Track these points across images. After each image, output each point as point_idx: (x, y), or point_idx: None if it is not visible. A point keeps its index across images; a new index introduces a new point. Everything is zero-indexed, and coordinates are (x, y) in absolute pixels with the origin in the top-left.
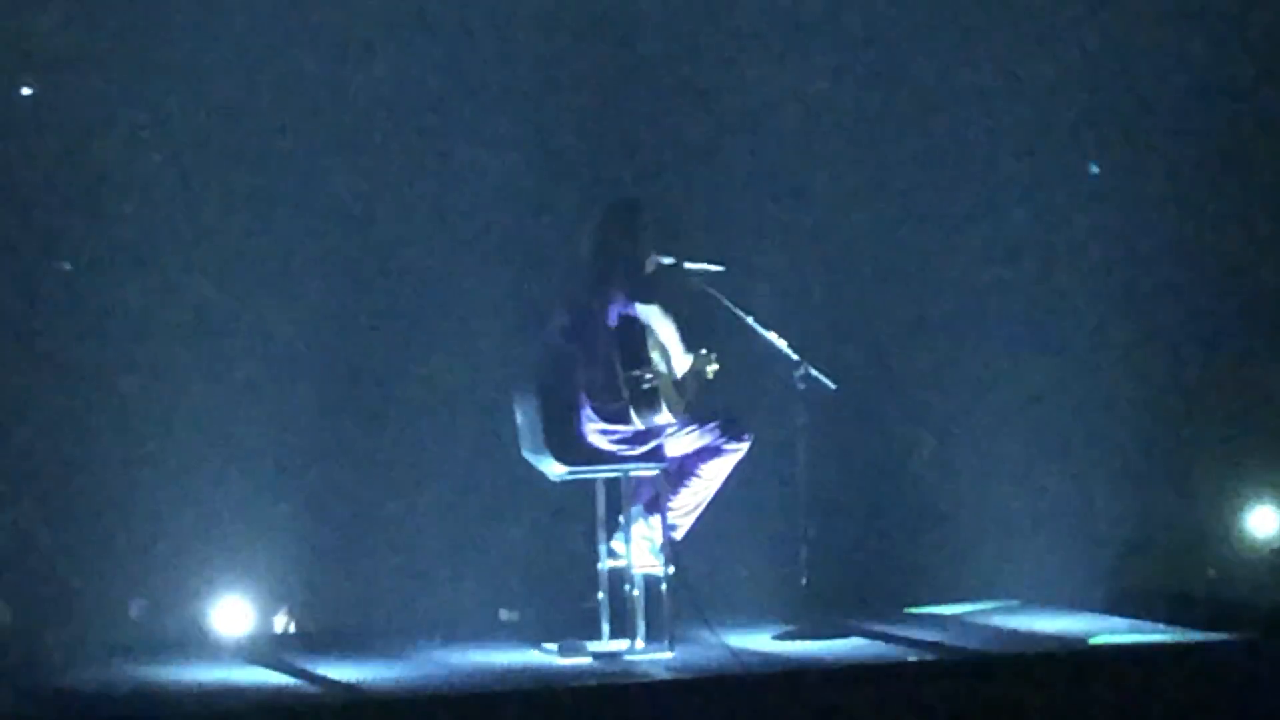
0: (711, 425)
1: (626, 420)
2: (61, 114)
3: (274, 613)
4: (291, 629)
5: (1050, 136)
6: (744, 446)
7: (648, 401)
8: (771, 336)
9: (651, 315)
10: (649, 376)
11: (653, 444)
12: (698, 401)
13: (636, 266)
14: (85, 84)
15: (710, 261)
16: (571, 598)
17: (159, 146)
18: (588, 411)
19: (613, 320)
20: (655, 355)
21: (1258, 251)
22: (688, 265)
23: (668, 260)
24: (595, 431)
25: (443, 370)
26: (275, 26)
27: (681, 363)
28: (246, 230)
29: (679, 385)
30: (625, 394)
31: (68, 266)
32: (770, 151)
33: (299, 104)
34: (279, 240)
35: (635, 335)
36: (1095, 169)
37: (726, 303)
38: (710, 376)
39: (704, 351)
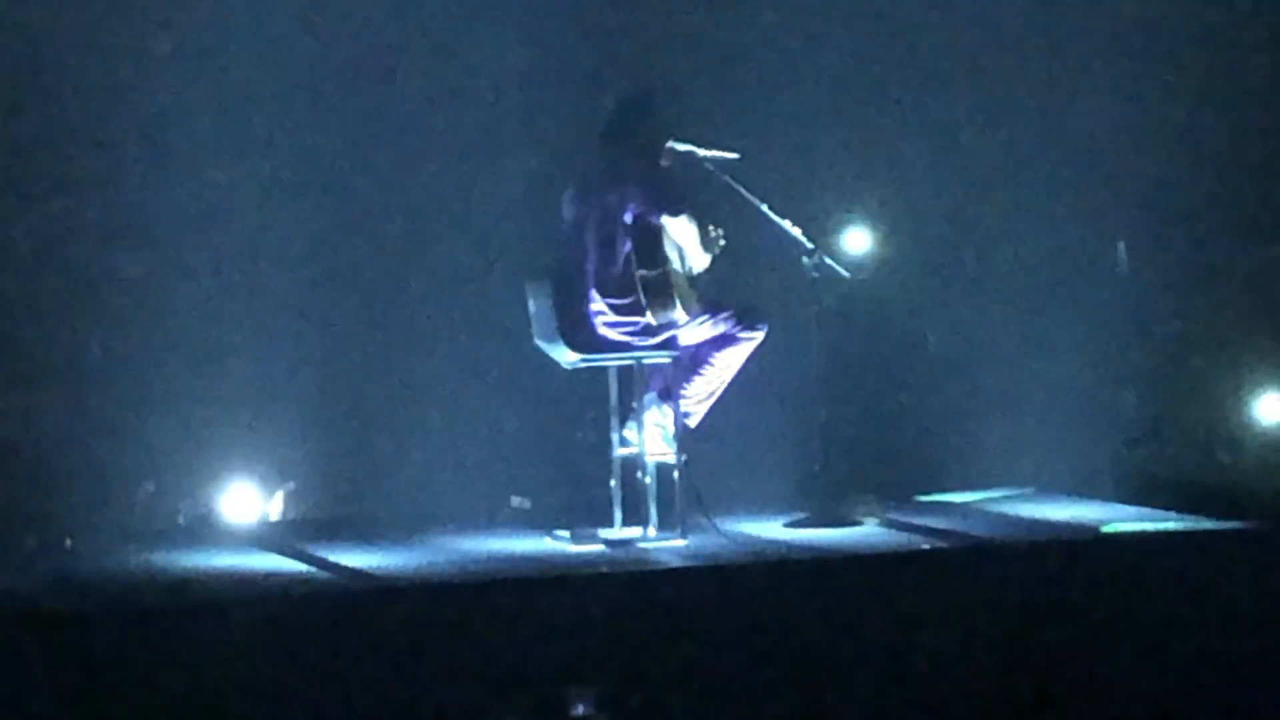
0: (726, 314)
1: (639, 314)
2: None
3: (278, 497)
4: (293, 513)
5: (1063, 31)
6: (759, 335)
7: (661, 298)
8: (786, 224)
9: (681, 222)
10: (663, 273)
11: (666, 334)
12: (711, 291)
13: (657, 169)
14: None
15: (725, 149)
16: (583, 485)
17: (172, 41)
18: (600, 305)
19: (628, 218)
20: (670, 251)
21: (1264, 143)
22: (702, 152)
23: (683, 146)
24: (606, 325)
25: (454, 257)
26: None
27: (699, 261)
28: (252, 121)
29: (693, 281)
30: (638, 289)
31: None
32: (787, 38)
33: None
34: (287, 131)
35: (651, 232)
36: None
37: (741, 190)
38: (717, 251)
39: (711, 230)
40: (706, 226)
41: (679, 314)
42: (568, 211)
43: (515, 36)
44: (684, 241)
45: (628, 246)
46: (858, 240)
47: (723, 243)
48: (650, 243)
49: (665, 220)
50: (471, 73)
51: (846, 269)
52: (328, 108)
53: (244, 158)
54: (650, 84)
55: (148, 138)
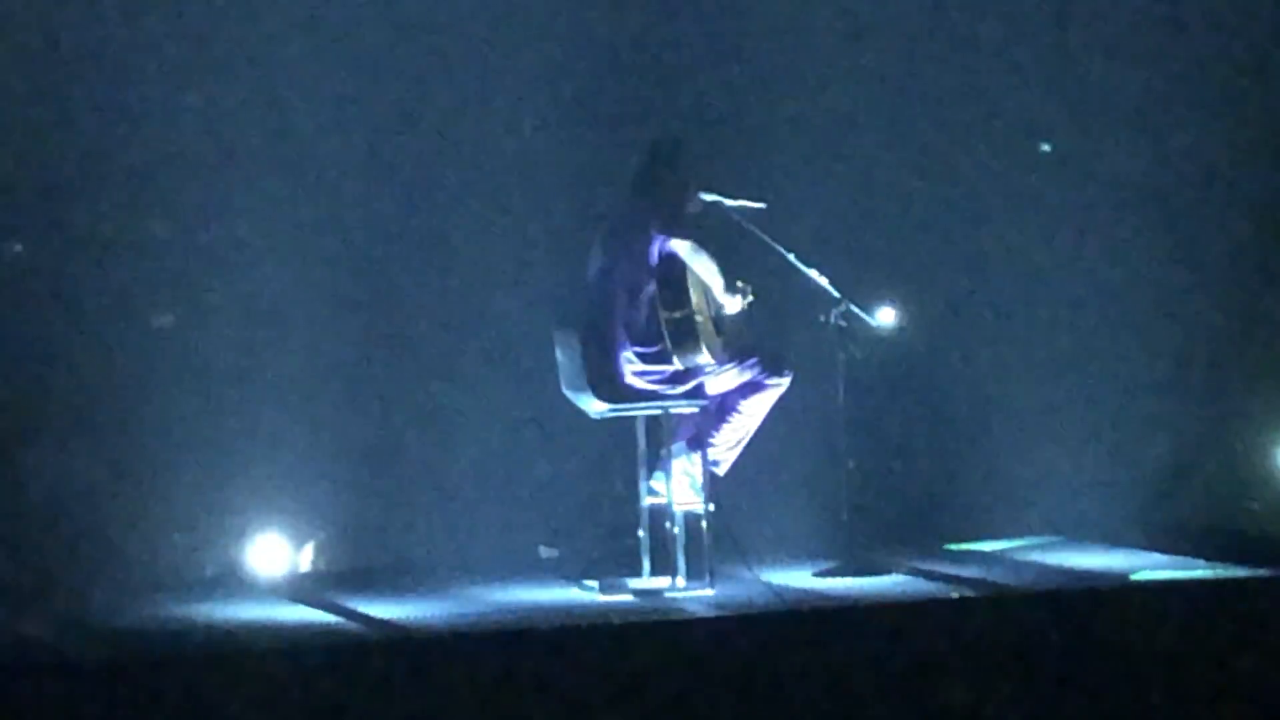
0: (752, 361)
1: (667, 362)
2: (91, 53)
3: (308, 548)
4: (321, 565)
5: (1089, 66)
6: (785, 382)
7: (686, 341)
8: (813, 273)
9: (686, 251)
10: (688, 317)
11: (693, 382)
12: (737, 338)
13: (677, 204)
14: (117, 18)
15: (752, 198)
16: (612, 535)
17: (198, 89)
18: (627, 354)
19: (654, 259)
20: (695, 295)
21: None
22: (729, 202)
23: (710, 196)
24: (633, 373)
25: (483, 307)
26: None
27: (728, 303)
28: (281, 165)
29: (719, 324)
30: (665, 335)
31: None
32: (814, 89)
33: (340, 35)
34: (315, 175)
35: (676, 275)
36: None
37: (768, 239)
38: (746, 306)
39: (739, 284)
40: (735, 281)
41: (705, 358)
42: (597, 262)
43: (545, 84)
44: (709, 280)
45: (652, 288)
46: (886, 316)
47: (751, 297)
48: (675, 285)
49: (674, 244)
50: (500, 121)
51: (873, 320)
52: (357, 157)
53: (272, 209)
54: (676, 134)
55: (175, 191)
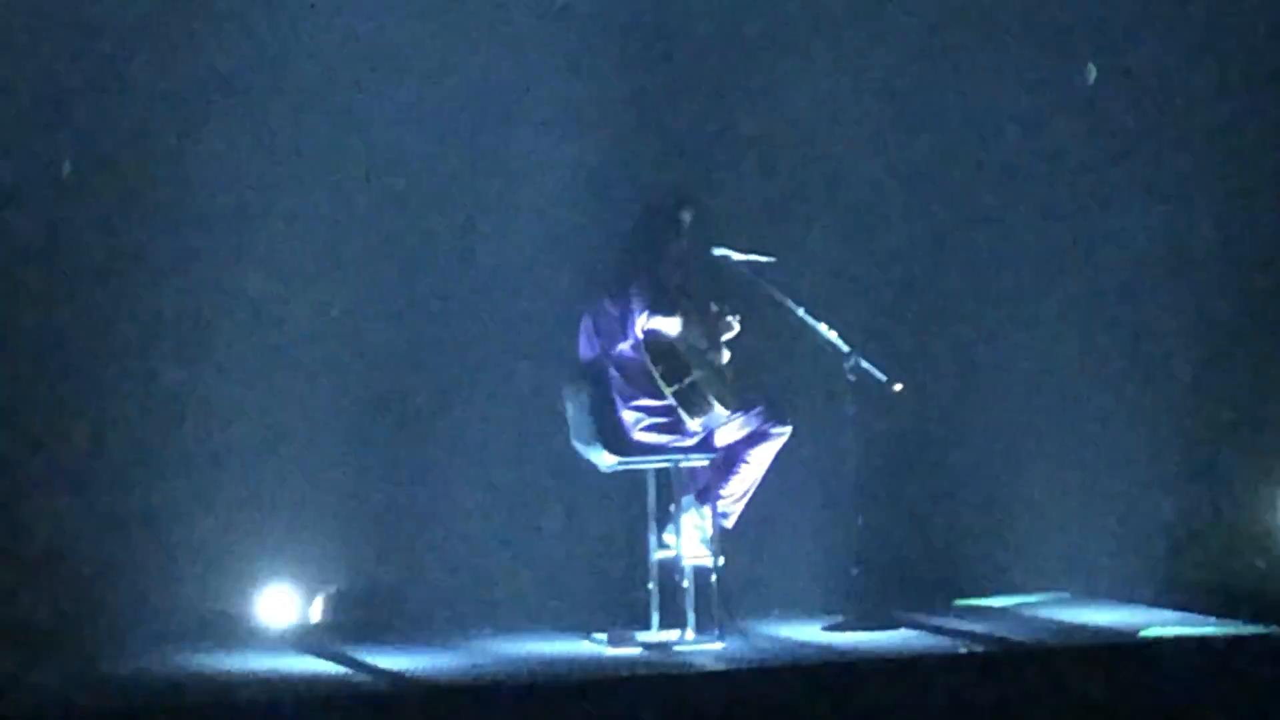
0: (756, 411)
1: (674, 416)
2: (110, 104)
3: (318, 599)
4: (329, 616)
5: (1095, 128)
6: (788, 430)
7: (699, 405)
8: (822, 328)
9: (673, 326)
10: (692, 383)
11: (702, 434)
12: (745, 388)
13: (659, 282)
14: (131, 67)
15: (761, 252)
16: (621, 588)
17: (210, 136)
18: (635, 414)
19: (640, 333)
20: (689, 358)
21: None
22: (738, 256)
23: (720, 251)
24: (642, 429)
25: (493, 359)
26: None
27: (722, 353)
28: (294, 219)
29: (720, 373)
30: (670, 399)
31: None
32: (821, 142)
33: (354, 92)
34: (327, 229)
35: (666, 346)
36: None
37: (777, 294)
38: (736, 324)
39: (713, 306)
40: (712, 316)
41: (720, 410)
42: (588, 345)
43: (557, 140)
44: (697, 342)
45: (646, 358)
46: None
47: (736, 326)
48: (670, 356)
49: (662, 324)
50: (512, 171)
51: (884, 374)
52: (369, 216)
53: (285, 259)
54: (672, 197)
55: (186, 242)
